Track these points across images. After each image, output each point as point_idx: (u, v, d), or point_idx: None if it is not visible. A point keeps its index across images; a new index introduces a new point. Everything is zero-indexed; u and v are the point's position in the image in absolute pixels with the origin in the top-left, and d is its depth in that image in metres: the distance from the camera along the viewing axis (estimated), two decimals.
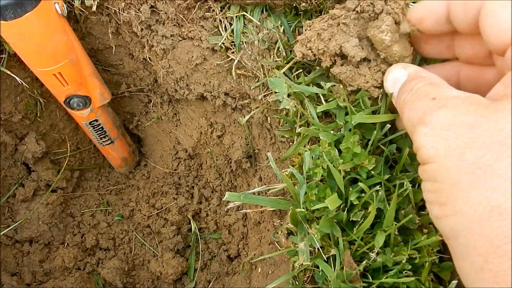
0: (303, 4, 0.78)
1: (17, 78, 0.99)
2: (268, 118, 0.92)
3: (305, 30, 0.73)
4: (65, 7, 0.86)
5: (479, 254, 0.42)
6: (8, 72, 0.96)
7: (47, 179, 1.26)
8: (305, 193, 0.69)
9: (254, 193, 0.77)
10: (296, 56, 0.75)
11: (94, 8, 0.90)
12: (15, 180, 1.23)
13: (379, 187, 0.65)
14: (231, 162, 1.16)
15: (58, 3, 0.84)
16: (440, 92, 0.51)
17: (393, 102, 0.62)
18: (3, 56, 0.96)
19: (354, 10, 0.67)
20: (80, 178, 1.42)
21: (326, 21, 0.70)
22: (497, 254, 0.41)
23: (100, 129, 1.18)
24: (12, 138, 1.16)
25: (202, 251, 1.32)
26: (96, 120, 1.14)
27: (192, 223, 1.32)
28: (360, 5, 0.66)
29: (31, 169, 1.26)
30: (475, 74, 0.60)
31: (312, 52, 0.71)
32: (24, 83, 1.03)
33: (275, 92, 0.78)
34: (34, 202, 1.25)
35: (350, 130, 0.70)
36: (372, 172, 0.67)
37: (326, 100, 0.75)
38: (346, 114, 0.72)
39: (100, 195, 1.44)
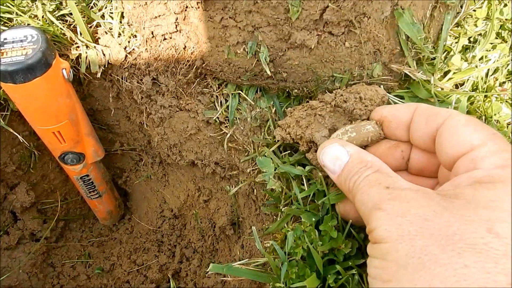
0: (295, 90, 0.84)
1: (17, 134, 1.03)
2: (255, 191, 0.96)
3: (287, 116, 0.80)
4: (71, 73, 0.91)
5: None
6: (11, 130, 1.00)
7: (32, 228, 1.28)
8: (286, 270, 0.73)
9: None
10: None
11: (98, 75, 0.96)
12: (0, 228, 1.25)
13: (355, 270, 0.69)
14: (215, 226, 1.19)
15: (65, 69, 0.89)
16: (392, 182, 0.56)
17: (331, 176, 0.66)
18: (6, 113, 1.00)
19: (330, 103, 0.74)
20: (64, 228, 1.43)
21: (305, 110, 0.77)
22: None
23: (90, 183, 1.22)
24: (3, 188, 1.18)
25: None
26: (87, 175, 1.18)
27: (171, 282, 1.34)
28: (336, 100, 0.73)
29: (17, 218, 1.28)
30: (425, 159, 0.66)
31: (290, 136, 0.78)
32: (22, 138, 1.07)
33: (263, 171, 0.83)
34: (17, 251, 1.27)
35: (328, 212, 0.74)
36: (351, 255, 0.71)
37: (308, 180, 0.80)
38: (325, 195, 0.77)
39: (83, 246, 1.45)
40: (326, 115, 0.74)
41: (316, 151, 0.76)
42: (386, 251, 0.50)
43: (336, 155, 0.65)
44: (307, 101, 0.82)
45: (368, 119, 0.72)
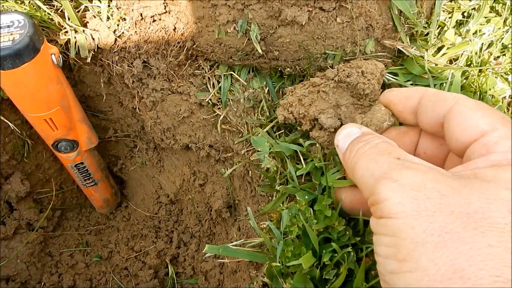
0: (288, 69, 0.83)
1: (9, 123, 1.02)
2: (250, 172, 0.96)
3: (287, 95, 0.78)
4: (60, 58, 0.90)
5: None
6: (2, 119, 0.99)
7: (28, 218, 1.28)
8: (282, 249, 0.72)
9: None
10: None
11: (88, 60, 0.95)
12: None
13: (351, 248, 0.69)
14: (211, 210, 1.19)
15: (54, 54, 0.88)
16: (403, 155, 0.54)
17: (340, 155, 0.64)
18: None
19: (333, 79, 0.73)
20: (61, 217, 1.43)
21: (307, 88, 0.76)
22: None
23: (85, 171, 1.21)
24: None
25: None
26: (82, 163, 1.17)
27: (169, 268, 1.34)
28: (338, 75, 0.72)
29: (13, 208, 1.27)
30: (434, 147, 0.65)
31: (293, 115, 0.77)
32: (14, 126, 1.06)
33: (258, 151, 0.82)
34: (14, 241, 1.26)
35: (324, 191, 0.74)
36: (346, 232, 0.70)
37: (305, 159, 0.80)
38: (322, 173, 0.76)
39: (80, 234, 1.45)
40: (330, 91, 0.73)
41: (320, 128, 0.75)
42: (398, 227, 0.47)
43: (348, 132, 0.63)
44: (301, 80, 0.81)
45: (370, 94, 0.71)
